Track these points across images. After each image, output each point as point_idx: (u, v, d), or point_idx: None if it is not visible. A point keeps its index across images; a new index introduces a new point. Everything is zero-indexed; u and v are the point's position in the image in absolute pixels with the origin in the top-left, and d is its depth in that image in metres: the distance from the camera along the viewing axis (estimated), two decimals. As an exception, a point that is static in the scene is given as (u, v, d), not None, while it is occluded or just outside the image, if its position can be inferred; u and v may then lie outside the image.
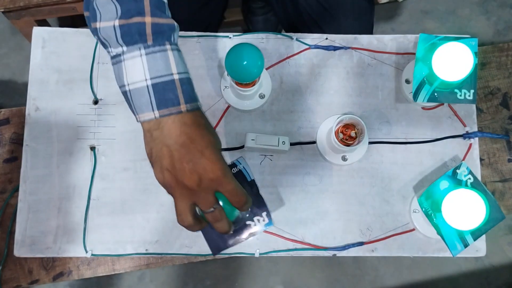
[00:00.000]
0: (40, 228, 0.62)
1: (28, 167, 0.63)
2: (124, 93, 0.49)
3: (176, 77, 0.48)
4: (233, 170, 0.61)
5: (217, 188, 0.49)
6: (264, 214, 0.59)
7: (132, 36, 0.47)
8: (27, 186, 0.62)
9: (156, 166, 0.49)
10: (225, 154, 0.64)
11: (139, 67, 0.47)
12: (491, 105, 0.75)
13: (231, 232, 0.54)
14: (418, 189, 0.64)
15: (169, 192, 0.50)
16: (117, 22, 0.47)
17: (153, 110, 0.47)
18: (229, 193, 0.49)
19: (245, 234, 0.59)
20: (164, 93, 0.47)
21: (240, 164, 0.61)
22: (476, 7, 1.50)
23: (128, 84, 0.48)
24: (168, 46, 0.49)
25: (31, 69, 0.65)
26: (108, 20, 0.47)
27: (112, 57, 0.49)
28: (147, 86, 0.47)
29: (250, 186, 0.60)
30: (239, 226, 0.59)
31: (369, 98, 0.66)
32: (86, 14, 0.56)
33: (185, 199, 0.49)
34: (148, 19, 0.47)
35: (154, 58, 0.47)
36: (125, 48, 0.47)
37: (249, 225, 0.59)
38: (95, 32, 0.49)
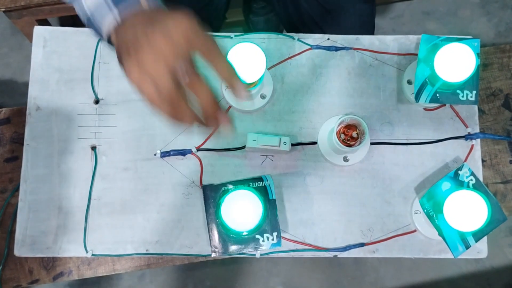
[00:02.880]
0: (40, 227, 0.61)
1: (29, 167, 0.62)
2: (89, 22, 0.48)
3: None
4: (258, 185, 0.60)
5: (193, 47, 0.42)
6: (275, 234, 0.59)
7: None
8: (27, 186, 0.62)
9: (126, 64, 0.42)
10: (228, 155, 0.63)
11: None
12: (493, 106, 0.74)
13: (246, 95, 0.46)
14: (419, 190, 0.64)
15: (142, 89, 0.42)
16: None
17: (111, 10, 0.45)
18: (206, 49, 0.43)
19: (251, 247, 0.59)
20: None
21: (267, 180, 0.61)
22: (477, 8, 1.50)
23: (88, 9, 0.47)
24: None
25: (32, 69, 0.65)
26: None
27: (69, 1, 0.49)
28: None
29: (271, 205, 0.60)
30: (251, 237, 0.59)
31: (371, 98, 0.66)
32: None
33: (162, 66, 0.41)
34: None
35: None
36: None
37: (258, 239, 0.59)
38: None
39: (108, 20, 0.46)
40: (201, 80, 0.44)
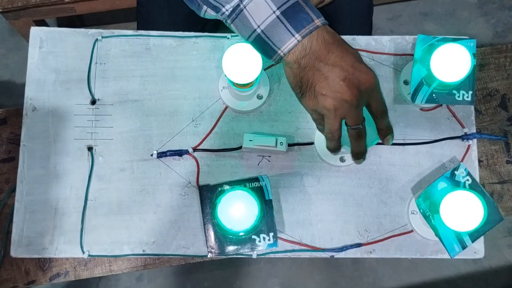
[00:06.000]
0: (37, 228, 0.61)
1: (25, 168, 0.62)
2: (258, 38, 0.51)
3: None
4: (255, 185, 0.60)
5: (369, 98, 0.51)
6: (271, 234, 0.59)
7: None
8: (24, 187, 0.62)
9: (309, 94, 0.51)
10: (225, 155, 0.63)
11: (263, 4, 0.49)
12: (490, 106, 0.74)
13: (361, 161, 0.57)
14: (416, 191, 0.64)
15: (319, 115, 0.52)
16: None
17: (293, 35, 0.49)
18: (377, 102, 0.52)
19: (247, 248, 0.59)
20: (296, 15, 0.49)
21: (263, 181, 0.61)
22: (475, 9, 1.51)
23: (259, 26, 0.50)
24: None
25: (29, 69, 0.65)
26: None
27: (229, 15, 0.51)
28: (278, 17, 0.49)
29: (267, 205, 0.60)
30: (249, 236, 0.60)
31: (367, 99, 0.66)
32: None
33: (339, 117, 0.51)
34: None
35: None
36: None
37: (254, 240, 0.59)
38: None
39: (289, 41, 0.49)
40: (365, 132, 0.53)
